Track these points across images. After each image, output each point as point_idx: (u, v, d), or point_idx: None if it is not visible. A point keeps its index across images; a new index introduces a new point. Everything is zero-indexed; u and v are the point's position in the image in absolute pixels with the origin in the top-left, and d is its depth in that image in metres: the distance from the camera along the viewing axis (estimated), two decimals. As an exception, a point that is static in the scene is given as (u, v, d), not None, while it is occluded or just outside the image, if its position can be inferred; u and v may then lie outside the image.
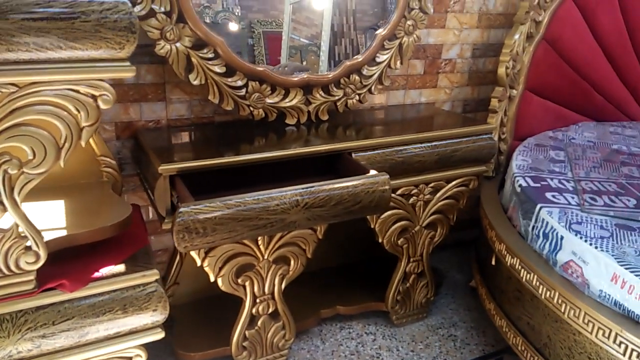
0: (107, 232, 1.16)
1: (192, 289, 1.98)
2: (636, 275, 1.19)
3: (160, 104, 1.74)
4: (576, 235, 1.37)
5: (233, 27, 1.88)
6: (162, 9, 1.50)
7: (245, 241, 1.51)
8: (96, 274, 1.14)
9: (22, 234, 1.01)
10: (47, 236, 1.06)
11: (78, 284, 1.09)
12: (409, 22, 1.93)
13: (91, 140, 1.38)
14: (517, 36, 2.06)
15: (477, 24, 2.21)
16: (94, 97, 0.97)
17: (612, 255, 1.26)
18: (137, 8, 1.46)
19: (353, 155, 1.65)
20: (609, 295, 1.26)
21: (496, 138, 2.15)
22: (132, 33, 0.94)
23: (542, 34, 2.14)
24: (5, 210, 0.96)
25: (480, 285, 1.91)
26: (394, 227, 1.86)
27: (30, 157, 0.95)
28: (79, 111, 0.97)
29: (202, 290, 1.96)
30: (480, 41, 2.26)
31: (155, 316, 1.19)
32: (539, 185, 1.69)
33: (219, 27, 1.93)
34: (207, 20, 1.88)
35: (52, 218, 1.18)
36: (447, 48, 2.20)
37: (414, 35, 1.96)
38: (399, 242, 1.91)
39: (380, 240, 1.87)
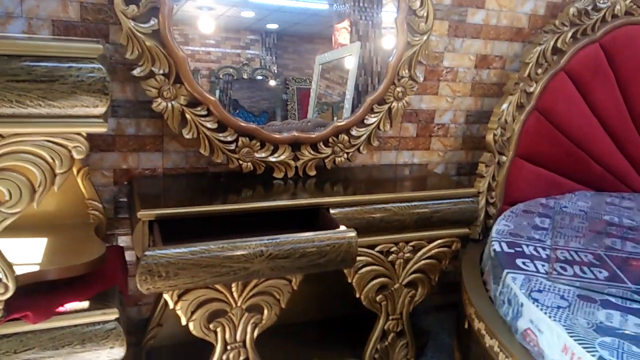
0: (77, 270, 1.26)
1: (175, 332, 2.04)
2: (584, 348, 1.19)
3: (158, 154, 1.89)
4: (534, 303, 1.38)
5: (269, 83, 2.06)
6: (161, 71, 1.66)
7: (219, 287, 1.58)
8: (60, 309, 1.24)
9: (-5, 266, 1.12)
10: (19, 270, 1.17)
11: (41, 317, 1.19)
12: (398, 89, 2.04)
13: (80, 184, 1.52)
14: (505, 105, 2.13)
15: (470, 92, 2.30)
16: (68, 148, 1.10)
17: (564, 326, 1.26)
18: (138, 70, 1.63)
19: (331, 210, 1.73)
20: (561, 368, 1.26)
21: (483, 202, 2.18)
22: (105, 95, 1.08)
23: (534, 105, 2.21)
24: (-20, 243, 1.09)
25: (456, 349, 1.89)
26: (372, 283, 1.89)
27: (7, 198, 1.08)
28: (54, 160, 1.10)
29: (185, 334, 2.02)
30: (474, 108, 2.34)
31: (112, 354, 1.26)
32: (512, 250, 1.71)
33: (256, 83, 2.11)
34: (245, 77, 2.06)
35: (29, 254, 1.30)
36: (439, 113, 2.29)
37: (404, 101, 2.06)
38: (378, 298, 1.93)
39: (358, 296, 1.90)
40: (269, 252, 1.44)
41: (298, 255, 1.47)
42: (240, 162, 1.85)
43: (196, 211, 1.54)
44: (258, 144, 1.87)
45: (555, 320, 1.29)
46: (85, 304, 1.26)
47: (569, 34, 2.19)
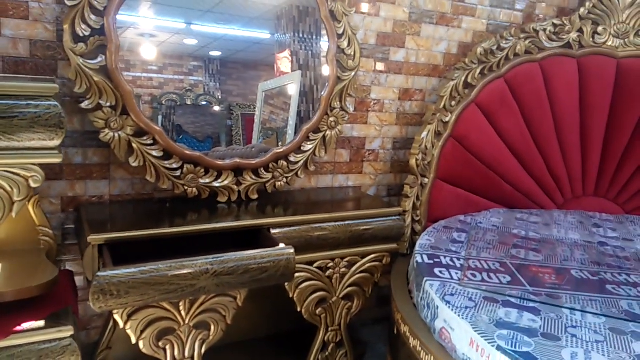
0: (31, 291, 1.34)
1: (123, 354, 2.10)
2: (485, 340, 1.41)
3: (105, 182, 1.98)
4: (446, 305, 1.60)
5: (214, 109, 2.17)
6: (109, 104, 1.78)
7: (167, 306, 1.69)
8: (18, 328, 1.31)
9: (-47, 289, 1.19)
10: (-24, 292, 1.25)
11: (0, 335, 1.26)
12: (331, 119, 2.26)
13: (32, 212, 1.59)
14: (425, 134, 2.41)
15: (396, 121, 2.57)
16: (26, 178, 1.21)
17: (469, 323, 1.48)
18: (86, 102, 1.73)
19: (272, 230, 1.89)
20: (470, 359, 1.47)
21: (409, 220, 2.42)
22: (61, 129, 1.20)
23: (450, 133, 2.49)
24: (-61, 268, 1.16)
25: (389, 354, 2.08)
26: (311, 297, 2.06)
27: (-33, 225, 1.17)
28: (12, 188, 1.20)
29: (134, 356, 2.08)
30: (400, 136, 2.60)
31: (67, 369, 1.35)
32: (432, 262, 1.94)
33: (200, 108, 2.19)
34: (189, 103, 2.15)
35: (-16, 278, 1.37)
36: (370, 140, 2.53)
37: (337, 130, 2.28)
38: (317, 311, 2.09)
39: (299, 309, 2.06)
40: (214, 270, 1.57)
41: (241, 272, 1.62)
42: (186, 187, 1.98)
43: (144, 234, 1.66)
44: (202, 170, 2.01)
45: (463, 318, 1.51)
46: (41, 323, 1.34)
47: (478, 71, 2.51)
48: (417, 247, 2.10)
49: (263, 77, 2.32)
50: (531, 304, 1.63)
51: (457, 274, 1.84)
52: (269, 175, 2.17)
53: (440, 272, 1.84)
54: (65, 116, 1.21)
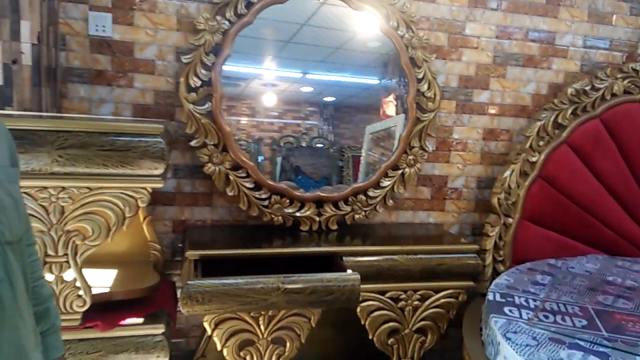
0: (135, 293, 1.65)
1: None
2: (539, 378, 1.39)
3: (207, 208, 2.31)
4: (507, 341, 1.59)
5: (327, 150, 2.42)
6: (212, 142, 2.11)
7: (248, 319, 1.91)
8: (122, 322, 1.61)
9: (77, 286, 1.53)
10: (95, 291, 1.58)
11: (108, 326, 1.57)
12: (410, 157, 2.37)
13: (145, 229, 1.94)
14: (508, 173, 2.40)
15: (480, 160, 2.59)
16: (135, 198, 1.52)
17: (526, 360, 1.47)
18: (194, 141, 2.08)
19: (344, 258, 2.04)
20: (525, 397, 1.45)
21: (490, 259, 2.40)
22: (163, 160, 1.51)
23: (538, 172, 2.45)
24: (69, 267, 1.50)
25: (458, 391, 2.06)
26: (383, 326, 2.14)
27: (90, 234, 1.50)
28: (125, 207, 1.52)
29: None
30: (484, 175, 2.61)
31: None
32: (503, 300, 1.92)
33: (315, 150, 2.44)
34: (304, 145, 2.40)
35: (103, 280, 1.71)
36: (452, 179, 2.58)
37: (416, 167, 2.39)
38: (389, 341, 2.16)
39: (371, 337, 2.15)
40: (285, 288, 1.76)
41: (309, 292, 1.79)
42: (272, 216, 2.23)
43: (232, 253, 1.92)
44: (287, 201, 2.24)
45: (520, 355, 1.50)
46: (140, 320, 1.64)
47: (569, 111, 2.46)
48: (492, 286, 2.09)
49: (371, 120, 2.51)
50: (601, 349, 1.55)
51: (527, 314, 1.80)
52: (348, 208, 2.33)
53: (510, 310, 1.82)
54: (167, 150, 1.52)
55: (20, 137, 1.36)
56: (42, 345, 0.97)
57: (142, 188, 1.53)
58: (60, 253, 1.50)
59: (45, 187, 1.45)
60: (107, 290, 1.65)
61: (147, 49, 2.11)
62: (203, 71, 2.07)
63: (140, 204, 1.54)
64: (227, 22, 2.07)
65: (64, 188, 1.46)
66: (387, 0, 2.23)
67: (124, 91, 2.09)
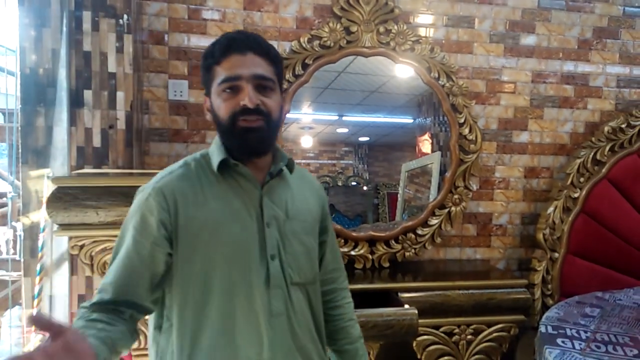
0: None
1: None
2: (596, 404, 1.48)
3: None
4: (562, 371, 1.68)
5: (362, 189, 2.54)
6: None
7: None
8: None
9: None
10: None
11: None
12: (455, 196, 2.52)
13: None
14: (551, 209, 2.51)
15: (522, 197, 2.71)
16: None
17: (580, 387, 1.56)
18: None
19: (399, 294, 2.17)
20: None
21: (539, 293, 2.48)
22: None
23: (580, 208, 2.55)
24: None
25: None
26: (438, 360, 2.24)
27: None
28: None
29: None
30: (528, 211, 2.72)
31: None
32: (556, 332, 2.00)
33: (350, 189, 2.53)
34: (340, 184, 2.51)
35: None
36: (496, 216, 2.70)
37: (461, 206, 2.53)
38: (445, 375, 2.26)
39: (427, 371, 2.25)
40: (348, 322, 1.90)
41: (370, 326, 1.93)
42: (329, 255, 2.39)
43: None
44: (342, 240, 2.41)
45: (575, 382, 1.60)
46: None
47: (607, 148, 2.57)
48: (543, 319, 2.17)
49: (406, 157, 2.62)
50: (655, 377, 1.63)
51: (580, 344, 1.89)
52: (399, 246, 2.48)
53: (563, 341, 1.91)
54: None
55: (125, 194, 1.58)
56: None
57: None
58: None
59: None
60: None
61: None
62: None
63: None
64: (286, 83, 2.31)
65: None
66: (428, 55, 2.44)
67: (198, 146, 2.33)
